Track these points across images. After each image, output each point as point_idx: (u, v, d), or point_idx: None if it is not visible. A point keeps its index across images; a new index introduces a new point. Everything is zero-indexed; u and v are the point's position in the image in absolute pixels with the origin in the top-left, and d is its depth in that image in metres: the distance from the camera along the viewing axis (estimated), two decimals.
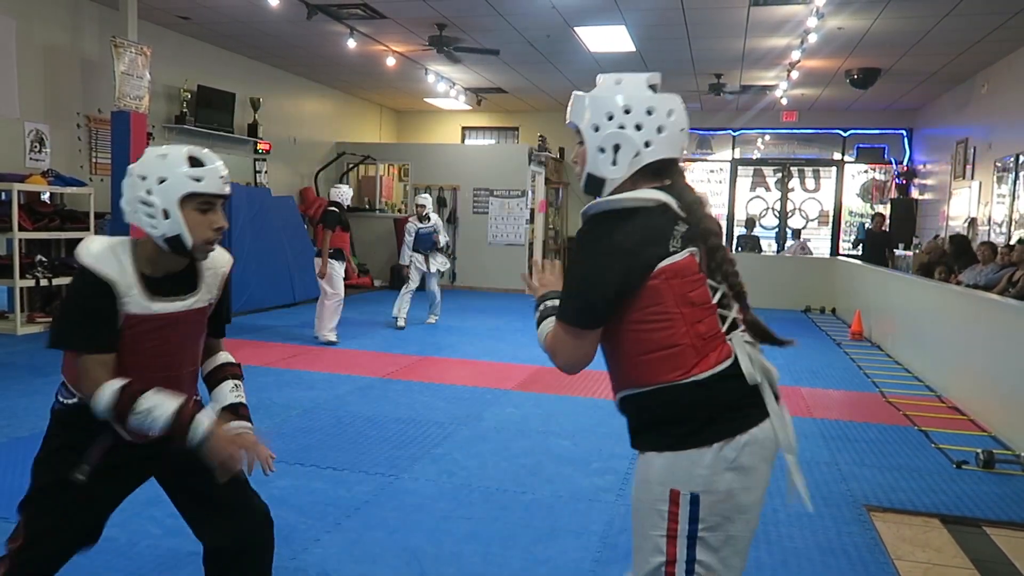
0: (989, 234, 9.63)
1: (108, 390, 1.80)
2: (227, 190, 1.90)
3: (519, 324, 9.09)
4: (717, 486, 1.52)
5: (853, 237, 13.56)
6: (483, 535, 3.16)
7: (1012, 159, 9.14)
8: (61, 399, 2.00)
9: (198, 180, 1.84)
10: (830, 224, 14.71)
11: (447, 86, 12.43)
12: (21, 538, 1.95)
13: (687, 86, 12.29)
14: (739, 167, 15.07)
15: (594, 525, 3.30)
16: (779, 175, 14.98)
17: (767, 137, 14.97)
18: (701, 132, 14.95)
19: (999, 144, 9.63)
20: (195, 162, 1.85)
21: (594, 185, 1.69)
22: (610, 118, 1.66)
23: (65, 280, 7.80)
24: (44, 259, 7.64)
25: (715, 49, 9.87)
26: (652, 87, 1.75)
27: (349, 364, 6.46)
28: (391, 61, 10.65)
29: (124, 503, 3.36)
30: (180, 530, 3.10)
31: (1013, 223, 9.07)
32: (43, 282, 7.54)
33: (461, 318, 9.51)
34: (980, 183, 10.23)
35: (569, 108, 1.75)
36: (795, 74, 10.61)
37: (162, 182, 1.83)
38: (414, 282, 8.61)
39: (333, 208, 7.72)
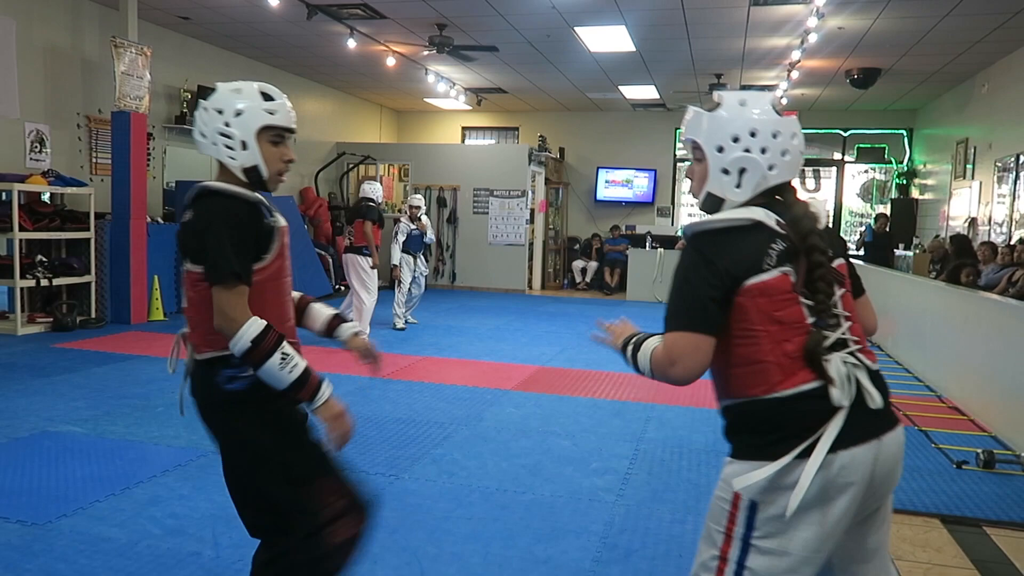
0: (989, 234, 9.63)
1: (258, 322, 1.78)
2: (295, 125, 1.99)
3: (519, 324, 9.10)
4: (775, 500, 1.53)
5: (858, 238, 13.36)
6: (483, 535, 3.16)
7: (1012, 159, 9.14)
8: (231, 376, 1.89)
9: (272, 113, 1.91)
10: (830, 224, 14.69)
11: (447, 86, 12.43)
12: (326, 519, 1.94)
13: (687, 86, 12.29)
14: None
15: (594, 525, 3.30)
16: None
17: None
18: None
19: (999, 144, 9.63)
20: (267, 97, 1.93)
21: (713, 204, 1.70)
22: (735, 140, 1.65)
23: (66, 280, 7.81)
24: (44, 259, 7.64)
25: (715, 49, 9.87)
26: (775, 109, 1.70)
27: (349, 364, 6.44)
28: (391, 61, 10.65)
29: (125, 502, 3.37)
30: (180, 530, 3.10)
31: (1013, 223, 9.07)
32: (43, 282, 7.54)
33: (461, 318, 9.51)
34: (980, 183, 10.23)
35: (687, 123, 1.74)
36: (795, 74, 10.61)
37: (239, 115, 1.89)
38: (407, 283, 8.53)
39: (371, 203, 7.69)
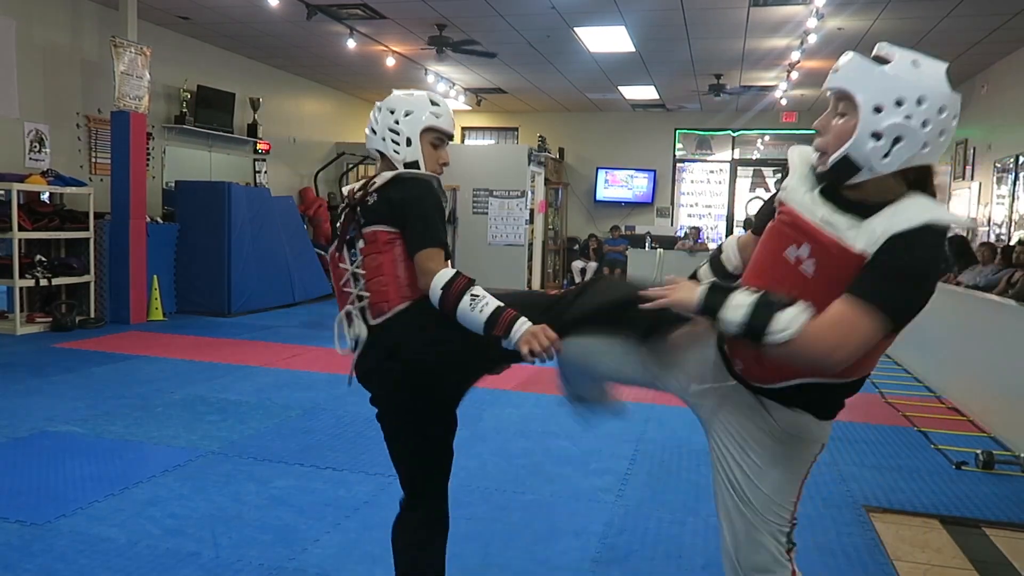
0: (989, 235, 9.63)
1: (449, 270, 1.96)
2: (454, 132, 2.23)
3: None
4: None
5: None
6: (482, 535, 3.16)
7: (1012, 160, 9.14)
8: (425, 347, 2.05)
9: (437, 116, 2.15)
10: None
11: (447, 86, 12.43)
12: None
13: (687, 86, 12.30)
14: (739, 167, 15.06)
15: (594, 525, 3.30)
16: (779, 175, 14.97)
17: (767, 138, 14.98)
18: (700, 133, 14.96)
19: (999, 145, 9.63)
20: (434, 103, 2.17)
21: (845, 169, 1.51)
22: (898, 104, 1.47)
23: (65, 280, 7.81)
24: (44, 259, 7.64)
25: (715, 50, 9.87)
26: (949, 81, 1.54)
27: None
28: (391, 61, 10.65)
29: (125, 502, 3.37)
30: (179, 530, 3.10)
31: (1013, 224, 9.08)
32: (42, 282, 7.54)
33: None
34: (980, 184, 10.24)
35: (844, 71, 1.52)
36: (795, 75, 10.62)
37: (408, 115, 2.14)
38: None
39: None
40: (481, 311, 1.89)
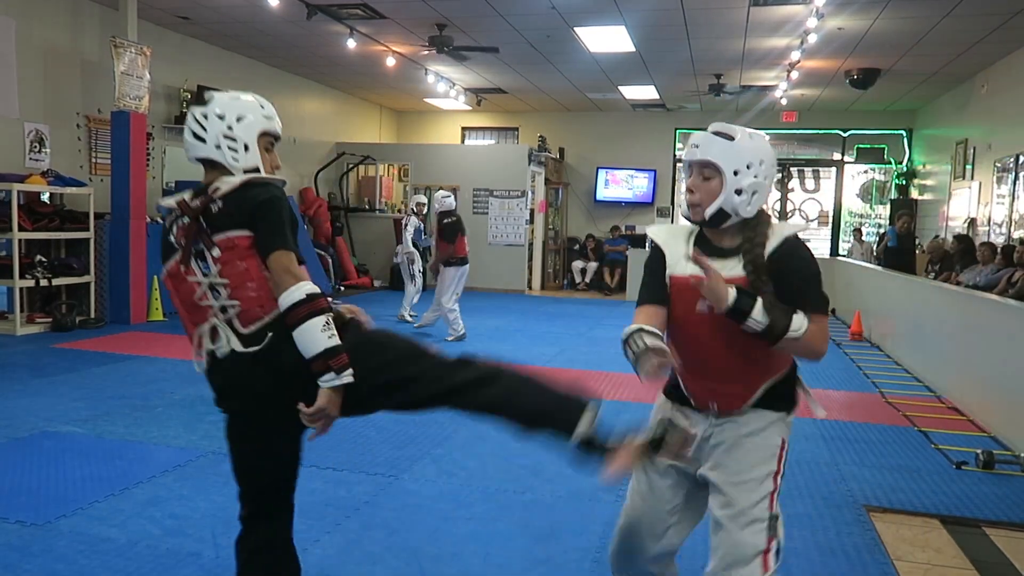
0: (989, 234, 9.63)
1: (310, 283, 1.89)
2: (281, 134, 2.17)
3: (519, 325, 9.09)
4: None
5: (879, 243, 11.32)
6: (483, 535, 3.16)
7: (1012, 159, 9.14)
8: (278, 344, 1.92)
9: (269, 119, 2.07)
10: (830, 224, 14.70)
11: (447, 86, 12.43)
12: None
13: (687, 86, 12.29)
14: None
15: (594, 525, 3.30)
16: (779, 175, 14.99)
17: (767, 137, 14.91)
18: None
19: (999, 144, 9.63)
20: (263, 105, 2.08)
21: (719, 218, 1.98)
22: (748, 167, 1.95)
23: (65, 280, 7.81)
24: (44, 259, 7.64)
25: (715, 49, 9.87)
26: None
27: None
28: (391, 61, 10.65)
29: (125, 502, 3.37)
30: (179, 530, 3.10)
31: (1013, 223, 9.07)
32: (42, 282, 7.54)
33: (461, 318, 9.50)
34: (980, 183, 10.23)
35: (704, 148, 2.01)
36: (795, 74, 10.62)
37: (240, 119, 2.01)
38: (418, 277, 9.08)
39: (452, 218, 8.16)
40: (329, 338, 1.85)
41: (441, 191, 8.75)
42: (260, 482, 2.07)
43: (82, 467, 3.81)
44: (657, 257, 2.11)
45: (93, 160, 8.72)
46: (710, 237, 2.06)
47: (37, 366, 6.07)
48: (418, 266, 9.24)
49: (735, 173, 1.94)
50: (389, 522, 3.26)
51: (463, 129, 16.16)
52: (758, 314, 1.88)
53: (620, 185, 14.97)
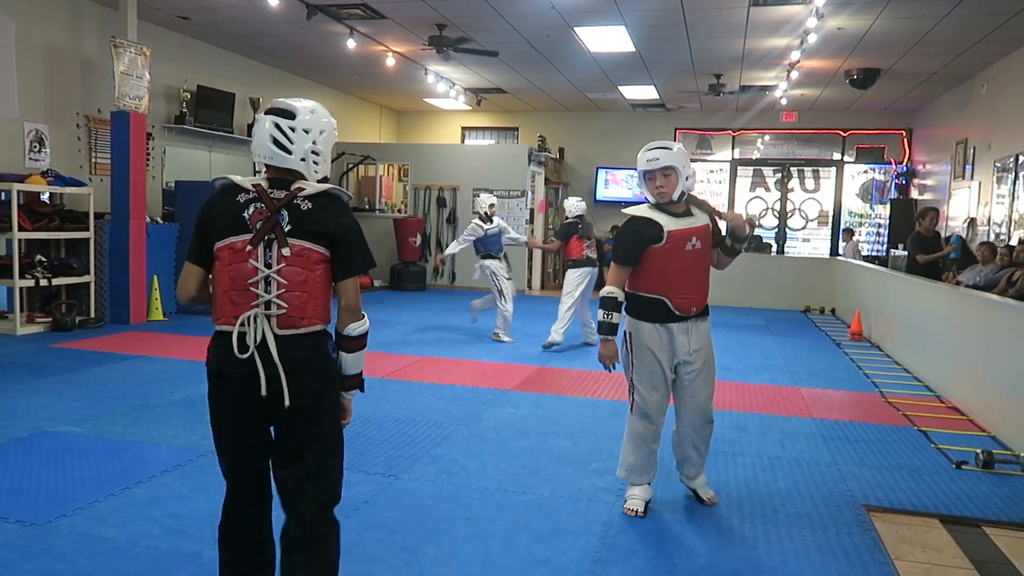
0: (989, 234, 9.63)
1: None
2: None
3: (519, 324, 9.08)
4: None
5: (951, 251, 9.13)
6: (482, 535, 3.16)
7: (1012, 159, 9.14)
8: (331, 347, 2.21)
9: (336, 132, 2.28)
10: (829, 224, 14.70)
11: (447, 86, 12.43)
12: None
13: (687, 86, 12.29)
14: (739, 167, 15.07)
15: (593, 525, 3.30)
16: (779, 175, 14.98)
17: (767, 137, 14.97)
18: (701, 132, 14.96)
19: (999, 144, 9.63)
20: (333, 119, 2.28)
21: (679, 197, 3.39)
22: (684, 167, 3.35)
23: (65, 280, 7.81)
24: (44, 259, 7.63)
25: (715, 49, 9.87)
26: None
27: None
28: (391, 61, 10.65)
29: (125, 502, 3.37)
30: (179, 530, 3.10)
31: (1013, 223, 9.07)
32: (42, 282, 7.54)
33: (461, 318, 9.51)
34: (980, 183, 10.23)
35: (666, 158, 3.31)
36: (795, 74, 10.61)
37: (323, 133, 2.18)
38: (507, 289, 8.14)
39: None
40: (362, 362, 2.24)
41: (573, 197, 8.31)
42: (263, 464, 2.23)
43: (82, 467, 3.81)
44: (644, 226, 3.37)
45: (93, 160, 8.72)
46: (668, 209, 3.39)
47: (37, 366, 6.07)
48: (504, 276, 8.19)
49: (684, 169, 3.34)
50: (388, 522, 3.26)
51: (463, 129, 16.16)
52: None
53: (620, 185, 14.97)
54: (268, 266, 2.07)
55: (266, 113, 2.16)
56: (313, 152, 2.15)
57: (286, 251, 2.06)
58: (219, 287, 2.11)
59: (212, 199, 2.16)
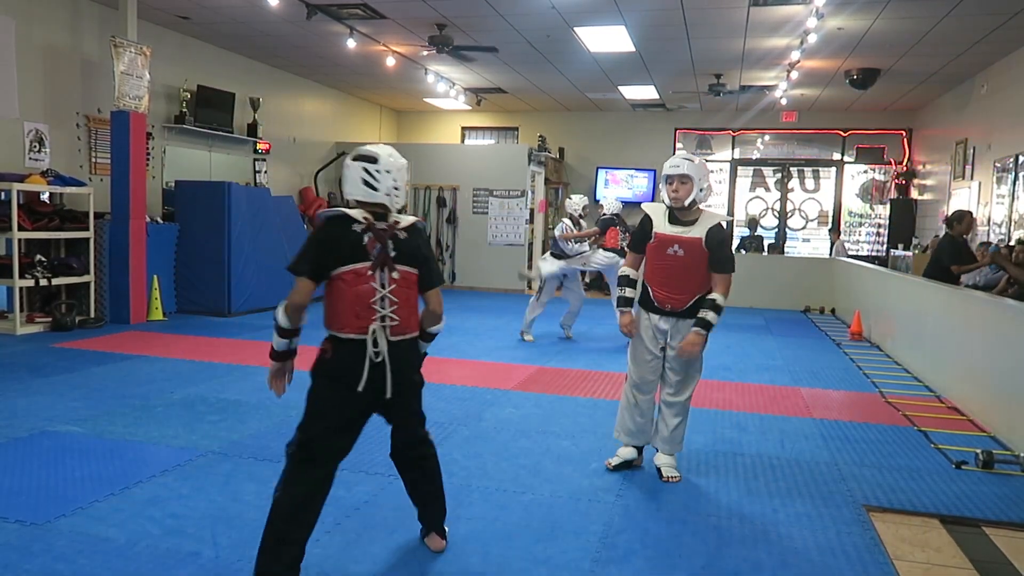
0: (988, 235, 9.63)
1: None
2: None
3: (519, 324, 9.07)
4: None
5: (989, 263, 7.66)
6: (482, 535, 3.16)
7: (1012, 159, 9.14)
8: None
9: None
10: (829, 224, 14.69)
11: (447, 86, 12.43)
12: None
13: (687, 86, 12.29)
14: (739, 167, 15.06)
15: (594, 525, 3.30)
16: (779, 175, 14.98)
17: (767, 137, 14.96)
18: (701, 132, 14.96)
19: (998, 144, 9.63)
20: (404, 160, 2.84)
21: (692, 204, 3.76)
22: (701, 179, 3.77)
23: (65, 280, 7.81)
24: (43, 259, 7.63)
25: (715, 49, 9.87)
26: None
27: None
28: (391, 61, 10.65)
29: (125, 502, 3.37)
30: (179, 530, 3.10)
31: (1013, 223, 9.07)
32: (42, 282, 7.54)
33: (461, 318, 9.51)
34: (980, 183, 10.23)
35: (684, 167, 3.74)
36: (795, 74, 10.61)
37: (400, 171, 2.79)
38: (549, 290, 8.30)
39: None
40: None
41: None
42: (407, 422, 2.94)
43: (82, 467, 3.81)
44: (647, 221, 3.85)
45: (93, 160, 8.71)
46: (676, 213, 3.79)
47: (37, 366, 6.07)
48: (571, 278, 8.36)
49: (700, 180, 3.74)
50: (389, 522, 3.26)
51: (463, 129, 16.16)
52: (712, 318, 3.73)
53: (620, 185, 14.97)
54: (383, 286, 2.66)
55: (354, 160, 2.76)
56: (395, 188, 2.75)
57: (395, 275, 2.68)
58: (343, 303, 2.65)
59: (331, 228, 2.69)
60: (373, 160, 2.73)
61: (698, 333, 3.67)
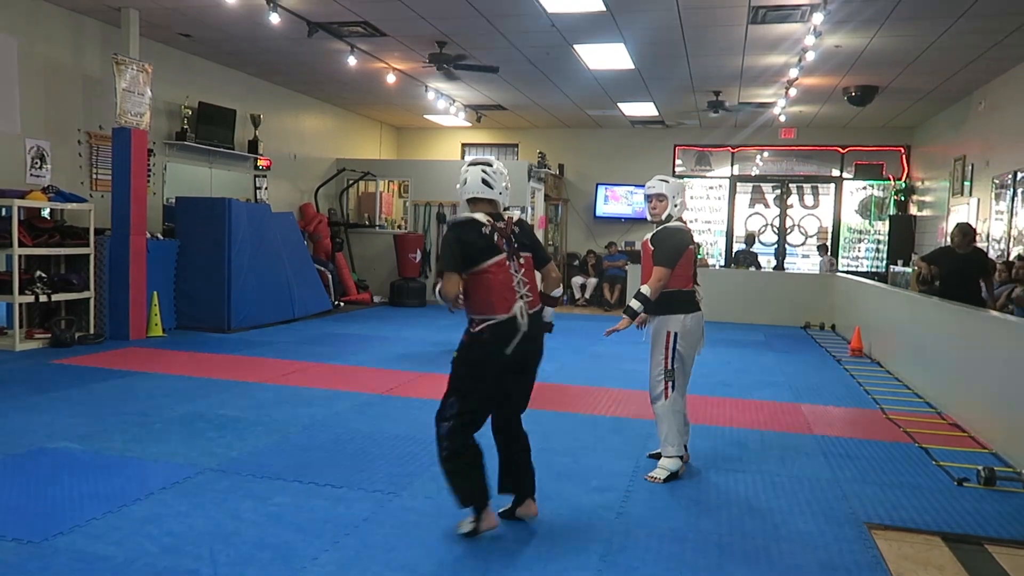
0: (988, 251, 9.64)
1: None
2: None
3: None
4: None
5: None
6: (482, 553, 3.14)
7: (1010, 176, 9.17)
8: None
9: None
10: (828, 241, 14.72)
11: (447, 103, 12.49)
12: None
13: (686, 103, 12.35)
14: (738, 184, 15.11)
15: (594, 543, 3.28)
16: (778, 192, 15.02)
17: (766, 154, 15.02)
18: (700, 149, 15.01)
19: (997, 161, 9.67)
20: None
21: (667, 219, 4.33)
22: (675, 196, 4.32)
23: (65, 296, 7.81)
24: (43, 275, 7.64)
25: (713, 66, 9.93)
26: None
27: (348, 381, 6.44)
28: (391, 78, 10.71)
29: (123, 520, 3.36)
30: (177, 548, 3.09)
31: (1012, 239, 9.09)
32: (42, 298, 7.54)
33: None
34: (978, 200, 10.26)
35: (659, 188, 4.33)
36: (793, 91, 10.67)
37: (507, 174, 3.52)
38: None
39: None
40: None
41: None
42: (525, 399, 3.50)
43: (80, 484, 3.79)
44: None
45: (94, 176, 8.74)
46: (656, 227, 4.34)
47: (36, 382, 6.06)
48: None
49: (674, 198, 4.31)
50: (388, 539, 3.24)
51: (463, 145, 16.23)
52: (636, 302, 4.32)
53: (620, 201, 15.01)
54: (516, 271, 3.29)
55: (471, 165, 3.41)
56: (505, 187, 3.44)
57: (522, 260, 3.34)
58: (492, 291, 3.24)
59: (465, 231, 3.26)
60: (489, 164, 3.42)
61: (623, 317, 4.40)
